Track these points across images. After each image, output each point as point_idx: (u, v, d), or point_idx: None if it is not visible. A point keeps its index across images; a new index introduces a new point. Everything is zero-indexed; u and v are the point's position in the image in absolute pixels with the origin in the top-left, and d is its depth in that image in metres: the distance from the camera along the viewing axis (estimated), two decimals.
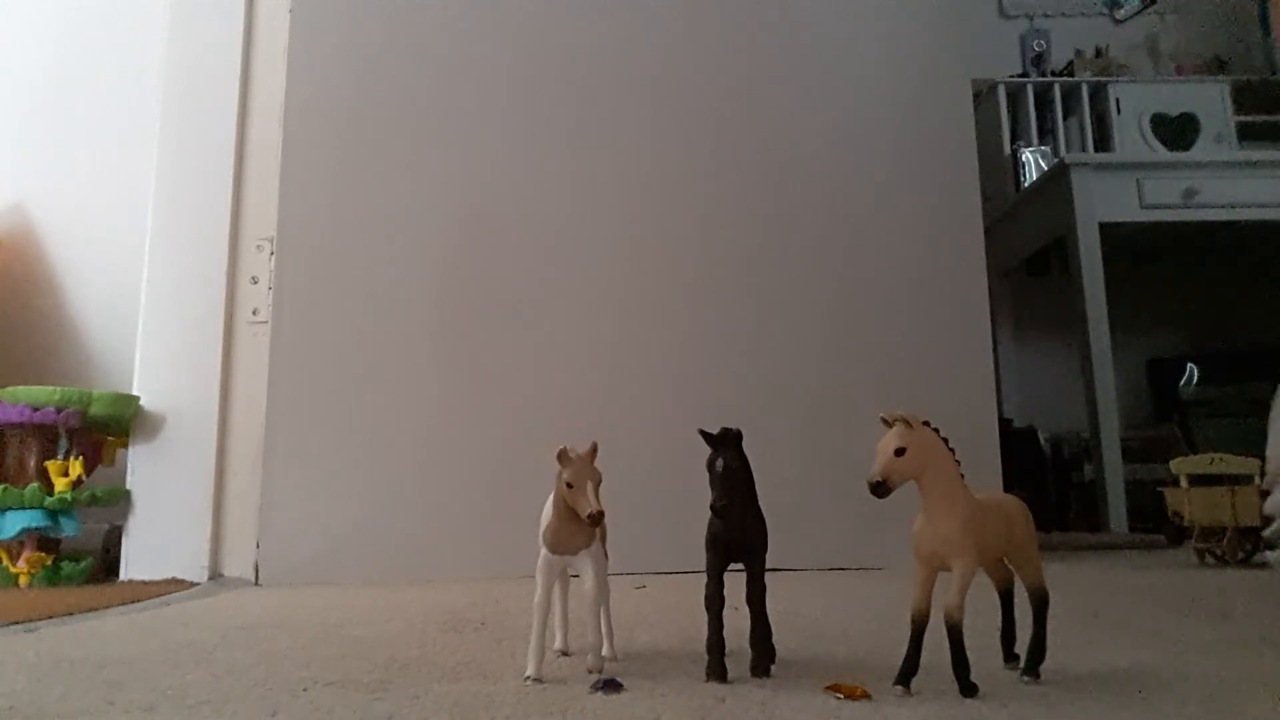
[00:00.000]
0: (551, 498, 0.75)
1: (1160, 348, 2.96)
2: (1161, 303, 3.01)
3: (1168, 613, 1.10)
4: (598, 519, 0.70)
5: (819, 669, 0.76)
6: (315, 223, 1.70)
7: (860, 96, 1.87)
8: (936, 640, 0.65)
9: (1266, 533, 0.69)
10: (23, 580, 1.49)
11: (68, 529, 1.54)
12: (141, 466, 1.63)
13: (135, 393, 1.64)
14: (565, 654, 0.85)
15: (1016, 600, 0.75)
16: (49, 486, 1.53)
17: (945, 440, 0.67)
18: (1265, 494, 0.71)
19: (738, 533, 0.72)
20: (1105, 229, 2.44)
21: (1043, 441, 2.70)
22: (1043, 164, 2.82)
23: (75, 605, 1.22)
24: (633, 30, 1.84)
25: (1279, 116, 2.94)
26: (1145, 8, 3.27)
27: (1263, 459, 0.72)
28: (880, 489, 0.64)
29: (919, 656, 0.66)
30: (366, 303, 1.69)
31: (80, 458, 1.58)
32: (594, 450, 0.73)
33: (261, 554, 1.58)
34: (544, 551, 0.75)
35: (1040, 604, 0.71)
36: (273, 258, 1.69)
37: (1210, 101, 2.84)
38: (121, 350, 1.79)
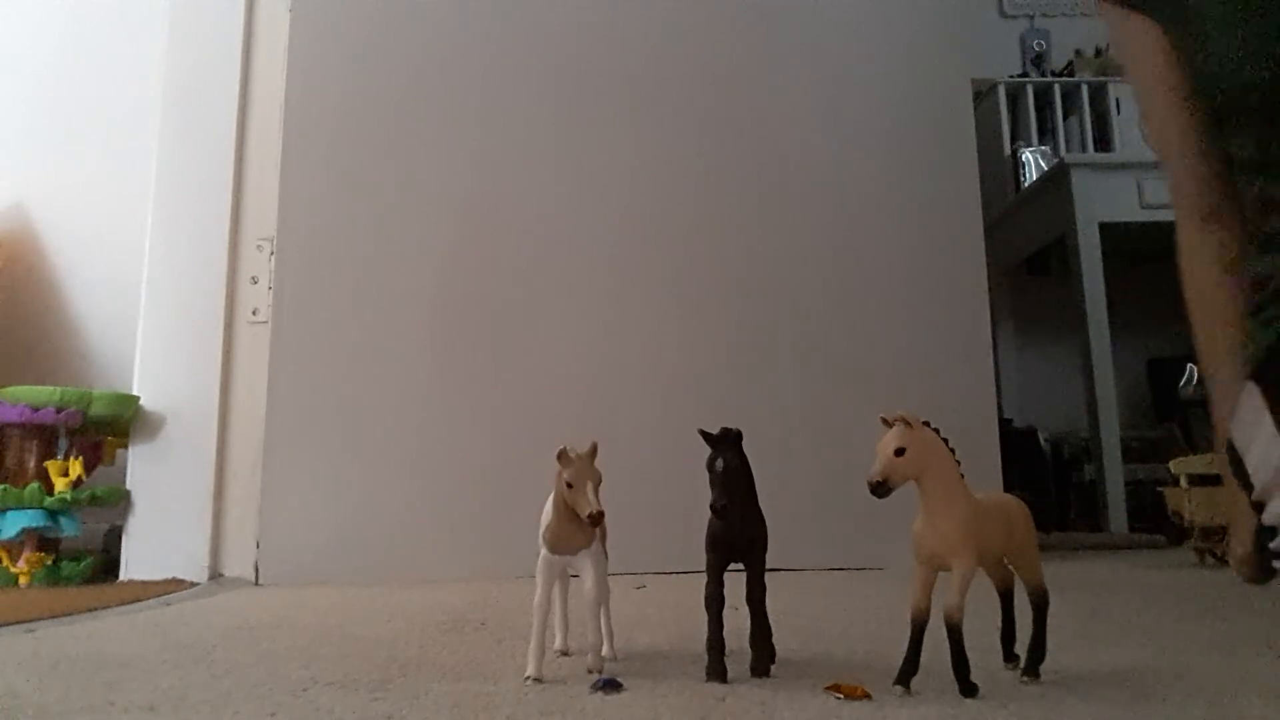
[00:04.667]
0: (551, 498, 0.75)
1: (1160, 348, 2.95)
2: (1161, 303, 2.99)
3: (1168, 613, 1.10)
4: (598, 519, 0.70)
5: (819, 669, 0.76)
6: (315, 223, 1.70)
7: (860, 96, 1.87)
8: (936, 640, 0.65)
9: (1274, 544, 0.69)
10: (23, 580, 1.48)
11: (68, 529, 1.54)
12: (141, 466, 1.62)
13: (135, 393, 1.64)
14: (565, 654, 0.85)
15: (1016, 600, 0.75)
16: (49, 486, 1.53)
17: (945, 440, 0.67)
18: (1259, 505, 0.70)
19: (738, 533, 0.72)
20: (1105, 229, 2.44)
21: (1043, 441, 2.70)
22: (1043, 164, 2.82)
23: (75, 605, 1.22)
24: (631, 30, 1.83)
25: None
26: None
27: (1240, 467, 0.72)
28: (880, 489, 0.64)
29: (919, 656, 0.66)
30: (366, 303, 1.69)
31: (80, 458, 1.58)
32: (594, 450, 0.73)
33: (261, 554, 1.58)
34: (544, 551, 0.75)
35: (1040, 604, 0.71)
36: (273, 258, 1.69)
37: None
38: (121, 350, 1.79)
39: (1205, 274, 0.82)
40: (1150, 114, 0.87)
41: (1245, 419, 0.69)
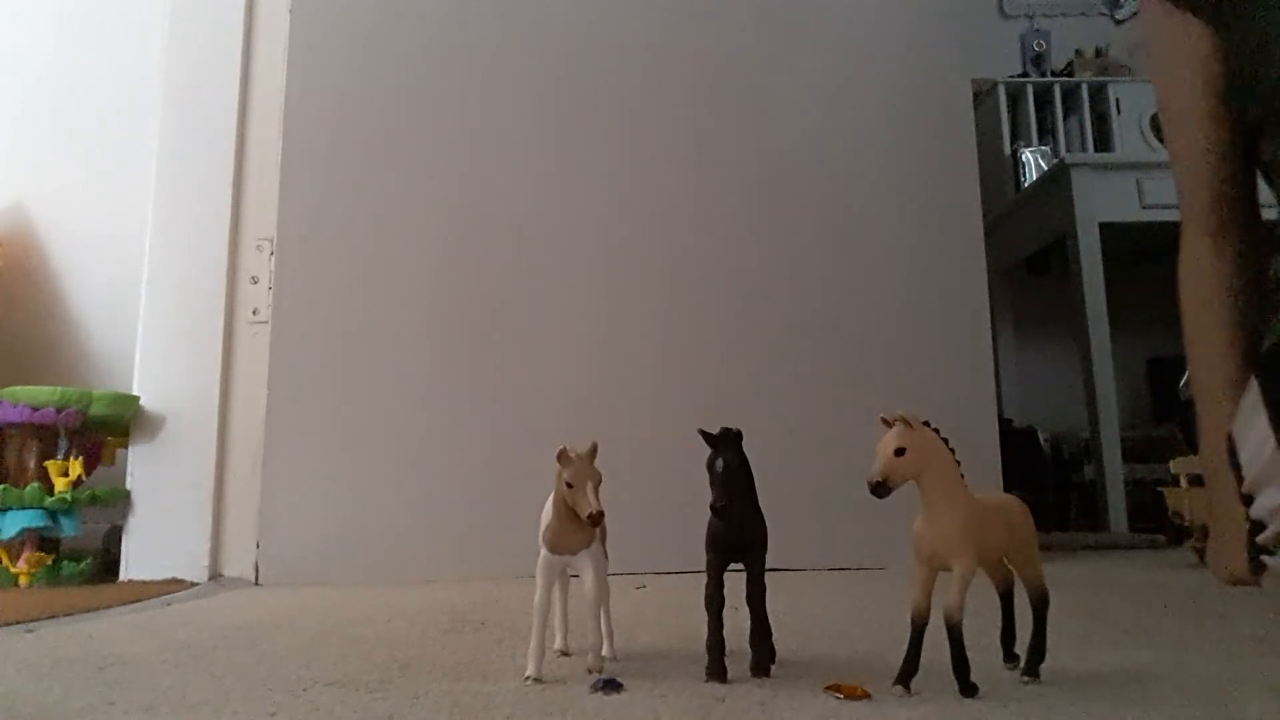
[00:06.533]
0: (551, 498, 0.75)
1: (1160, 348, 2.95)
2: (1161, 303, 2.99)
3: (1168, 613, 1.10)
4: (598, 519, 0.70)
5: (819, 669, 0.76)
6: (315, 223, 1.70)
7: (860, 96, 1.87)
8: (936, 640, 0.65)
9: (1262, 538, 0.69)
10: (23, 580, 1.48)
11: (68, 529, 1.54)
12: (141, 466, 1.62)
13: (135, 393, 1.64)
14: (565, 654, 0.85)
15: (1016, 600, 0.75)
16: (49, 486, 1.53)
17: (945, 440, 0.67)
18: (1248, 499, 0.71)
19: (738, 533, 0.72)
20: (1105, 229, 2.44)
21: (1043, 441, 2.70)
22: (1043, 164, 2.81)
23: (75, 605, 1.22)
24: (631, 31, 1.84)
25: None
26: None
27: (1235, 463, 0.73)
28: (880, 489, 0.64)
29: (919, 656, 0.66)
30: (366, 303, 1.69)
31: (80, 458, 1.58)
32: (594, 450, 0.73)
33: (261, 554, 1.58)
34: (544, 551, 0.75)
35: (1040, 604, 0.71)
36: (273, 258, 1.69)
37: None
38: (121, 350, 1.79)
39: (1205, 289, 0.82)
40: (1172, 118, 0.86)
41: (1245, 411, 0.69)
